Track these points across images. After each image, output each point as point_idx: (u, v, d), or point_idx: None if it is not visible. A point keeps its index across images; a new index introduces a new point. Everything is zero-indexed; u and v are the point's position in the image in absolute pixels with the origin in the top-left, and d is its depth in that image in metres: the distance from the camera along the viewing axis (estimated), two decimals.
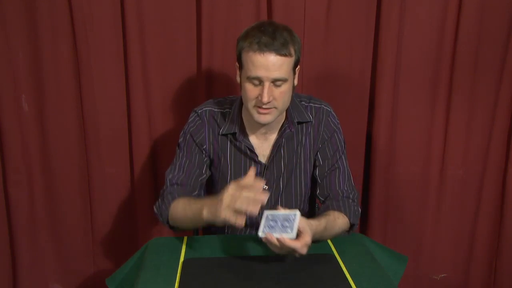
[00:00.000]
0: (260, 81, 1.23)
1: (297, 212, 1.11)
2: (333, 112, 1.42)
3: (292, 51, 1.24)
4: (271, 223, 1.11)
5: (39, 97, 1.78)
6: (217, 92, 1.80)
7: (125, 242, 1.95)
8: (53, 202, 1.90)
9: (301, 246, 1.08)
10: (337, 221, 1.28)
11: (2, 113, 1.77)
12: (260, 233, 1.10)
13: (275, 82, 1.23)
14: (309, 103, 1.41)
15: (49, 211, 1.90)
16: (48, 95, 1.78)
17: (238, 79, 1.32)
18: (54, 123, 1.81)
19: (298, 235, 1.09)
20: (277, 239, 1.07)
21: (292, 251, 1.10)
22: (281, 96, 1.25)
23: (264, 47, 1.20)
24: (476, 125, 1.90)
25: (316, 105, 1.41)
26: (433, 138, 1.90)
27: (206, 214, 1.14)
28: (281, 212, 1.14)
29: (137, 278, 1.16)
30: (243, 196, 1.04)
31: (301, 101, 1.41)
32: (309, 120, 1.39)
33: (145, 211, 1.89)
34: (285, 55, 1.22)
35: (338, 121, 1.42)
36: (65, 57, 1.75)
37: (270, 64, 1.21)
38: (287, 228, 1.08)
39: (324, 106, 1.41)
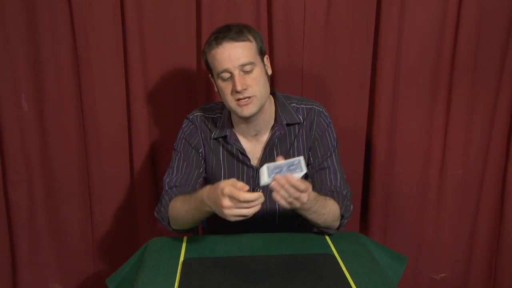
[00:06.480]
0: (230, 74, 1.26)
1: (301, 157, 1.10)
2: (324, 112, 1.41)
3: (250, 37, 1.28)
4: (276, 170, 1.08)
5: (39, 97, 1.78)
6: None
7: (125, 242, 1.95)
8: (53, 202, 1.90)
9: (306, 187, 1.08)
10: (328, 201, 1.27)
11: (2, 113, 1.78)
12: (267, 180, 1.07)
13: (243, 69, 1.25)
14: (300, 104, 1.41)
15: (49, 211, 1.90)
16: (48, 95, 1.78)
17: (215, 87, 1.35)
18: (54, 123, 1.81)
19: None
20: (286, 179, 1.05)
21: (296, 199, 1.09)
22: (255, 82, 1.27)
23: (221, 39, 1.25)
24: (476, 125, 1.89)
25: (308, 106, 1.40)
26: (433, 137, 1.90)
27: (206, 198, 1.15)
28: (283, 161, 1.10)
29: (137, 278, 1.16)
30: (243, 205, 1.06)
31: (291, 103, 1.41)
32: (298, 121, 1.38)
33: (145, 211, 1.89)
34: (243, 41, 1.26)
35: (330, 120, 1.41)
36: (65, 57, 1.75)
37: (232, 53, 1.24)
38: (294, 170, 1.07)
39: (316, 106, 1.41)
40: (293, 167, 1.07)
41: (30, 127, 1.81)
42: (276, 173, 1.07)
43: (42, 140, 1.83)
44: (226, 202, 1.07)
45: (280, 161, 1.10)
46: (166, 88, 1.80)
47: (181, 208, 1.27)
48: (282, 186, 1.07)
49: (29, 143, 1.82)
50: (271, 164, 1.10)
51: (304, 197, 1.10)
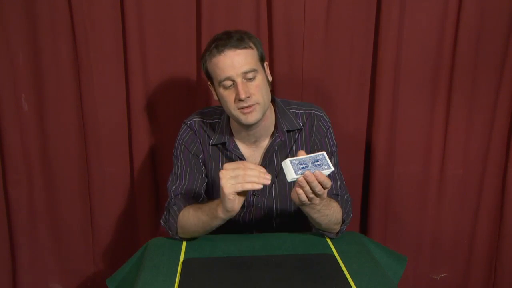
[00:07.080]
0: (232, 81, 1.24)
1: (324, 152, 1.11)
2: (324, 116, 1.40)
3: (251, 44, 1.27)
4: (301, 165, 1.08)
5: (39, 97, 1.78)
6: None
7: (125, 242, 1.95)
8: (53, 202, 1.90)
9: (330, 184, 1.10)
10: (332, 203, 1.25)
11: (2, 113, 1.78)
12: (295, 176, 1.07)
13: (246, 76, 1.24)
14: (299, 109, 1.40)
15: (49, 211, 1.90)
16: (48, 95, 1.78)
17: (214, 95, 1.34)
18: (54, 123, 1.81)
19: None
20: (315, 175, 1.06)
21: (317, 196, 1.10)
22: (258, 89, 1.26)
23: (222, 47, 1.23)
24: (476, 125, 1.89)
25: (307, 112, 1.39)
26: (433, 137, 1.90)
27: (221, 212, 1.16)
28: (306, 156, 1.11)
29: (137, 278, 1.16)
30: (248, 174, 1.07)
31: (290, 108, 1.40)
32: (299, 128, 1.38)
33: (145, 211, 1.90)
34: (245, 48, 1.25)
35: (330, 124, 1.41)
36: (65, 57, 1.74)
37: (235, 61, 1.23)
38: (321, 166, 1.07)
39: (315, 111, 1.40)
40: (318, 163, 1.08)
41: (30, 127, 1.81)
42: (303, 168, 1.07)
43: (42, 140, 1.83)
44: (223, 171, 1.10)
45: (303, 156, 1.11)
46: (166, 87, 1.80)
47: (193, 215, 1.26)
48: (310, 183, 1.08)
49: (29, 143, 1.82)
50: (294, 159, 1.10)
51: (325, 194, 1.12)
